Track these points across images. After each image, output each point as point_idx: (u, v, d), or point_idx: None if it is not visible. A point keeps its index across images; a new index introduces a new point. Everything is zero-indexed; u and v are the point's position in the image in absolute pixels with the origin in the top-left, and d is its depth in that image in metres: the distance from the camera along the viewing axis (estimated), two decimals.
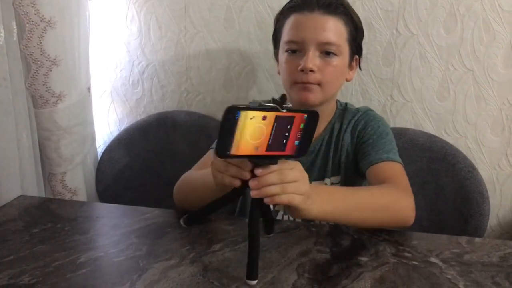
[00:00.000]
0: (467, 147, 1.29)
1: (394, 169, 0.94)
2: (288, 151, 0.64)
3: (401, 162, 0.96)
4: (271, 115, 0.59)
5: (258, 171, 0.65)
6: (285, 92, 1.06)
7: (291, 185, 0.67)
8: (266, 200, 0.67)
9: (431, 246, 0.80)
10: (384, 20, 1.26)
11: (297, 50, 0.96)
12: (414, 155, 1.24)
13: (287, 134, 0.62)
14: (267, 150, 0.62)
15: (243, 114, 0.57)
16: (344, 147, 1.03)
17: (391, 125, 1.31)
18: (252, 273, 0.67)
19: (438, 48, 1.25)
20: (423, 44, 1.25)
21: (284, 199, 0.67)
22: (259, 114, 0.58)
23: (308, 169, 1.05)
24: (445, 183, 1.21)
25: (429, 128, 1.31)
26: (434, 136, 1.27)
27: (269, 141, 0.61)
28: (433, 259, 0.76)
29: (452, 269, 0.73)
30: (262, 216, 0.75)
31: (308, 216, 0.73)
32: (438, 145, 1.24)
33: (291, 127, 0.62)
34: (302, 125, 0.63)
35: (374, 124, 1.02)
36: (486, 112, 1.27)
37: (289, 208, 0.72)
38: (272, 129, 0.60)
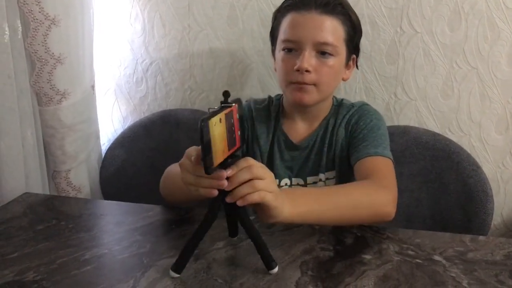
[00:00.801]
0: (471, 145, 1.29)
1: (381, 164, 0.93)
2: (238, 143, 0.67)
3: (391, 157, 0.95)
4: (222, 115, 0.62)
5: (228, 172, 0.65)
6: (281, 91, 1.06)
7: (261, 182, 0.67)
8: (238, 202, 0.66)
9: (434, 244, 0.80)
10: (388, 18, 1.25)
11: (293, 49, 0.96)
12: (418, 153, 1.24)
13: (233, 128, 0.66)
14: (229, 150, 0.65)
15: (210, 123, 0.59)
16: (338, 142, 1.02)
17: (395, 123, 1.31)
18: (270, 263, 0.70)
19: (442, 46, 1.25)
20: (427, 42, 1.25)
21: (256, 196, 0.67)
22: (217, 118, 0.61)
23: (303, 164, 1.05)
24: (449, 181, 1.21)
25: (433, 126, 1.30)
26: (438, 134, 1.26)
27: (227, 140, 0.64)
28: (436, 257, 0.76)
29: (456, 267, 0.73)
30: (228, 218, 0.76)
31: (280, 217, 0.71)
32: (442, 143, 1.23)
33: (233, 120, 0.65)
34: (238, 116, 0.66)
35: (366, 119, 1.01)
36: (491, 110, 1.26)
37: (260, 211, 0.71)
38: (226, 128, 0.63)
